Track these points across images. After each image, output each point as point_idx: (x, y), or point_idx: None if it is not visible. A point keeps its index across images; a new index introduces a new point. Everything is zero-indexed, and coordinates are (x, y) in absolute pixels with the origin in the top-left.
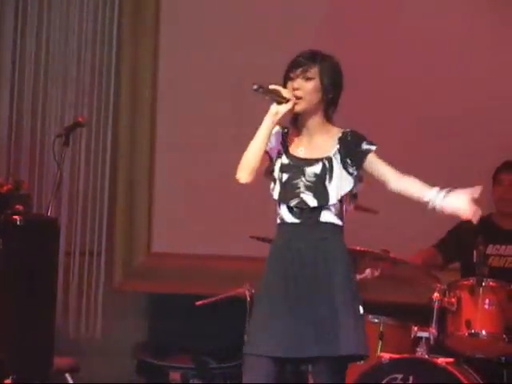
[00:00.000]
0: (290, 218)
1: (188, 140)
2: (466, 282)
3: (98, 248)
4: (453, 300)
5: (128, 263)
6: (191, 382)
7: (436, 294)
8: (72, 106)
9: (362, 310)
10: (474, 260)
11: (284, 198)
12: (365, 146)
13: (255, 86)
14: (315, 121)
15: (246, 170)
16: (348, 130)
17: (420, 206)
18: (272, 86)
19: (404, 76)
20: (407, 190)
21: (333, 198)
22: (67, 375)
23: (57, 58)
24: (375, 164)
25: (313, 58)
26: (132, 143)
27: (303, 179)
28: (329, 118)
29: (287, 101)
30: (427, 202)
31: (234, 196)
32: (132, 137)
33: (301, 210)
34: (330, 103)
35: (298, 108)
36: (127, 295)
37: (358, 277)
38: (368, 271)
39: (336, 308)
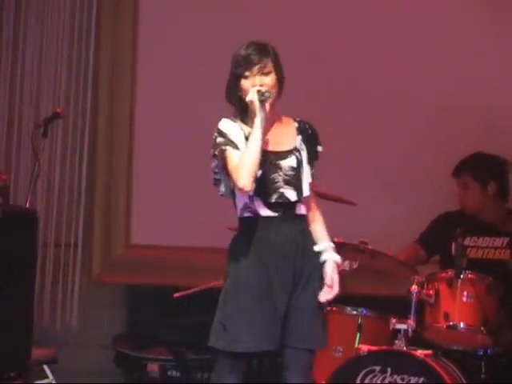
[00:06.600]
0: (265, 212)
1: (167, 131)
2: (444, 275)
3: (75, 239)
4: (431, 292)
5: (106, 255)
6: (169, 373)
7: (414, 287)
8: (49, 98)
9: None
10: (453, 252)
11: (262, 193)
12: (319, 148)
13: (268, 94)
14: (271, 112)
15: (250, 177)
16: (298, 118)
17: (399, 198)
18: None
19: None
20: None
21: (306, 191)
22: (45, 366)
23: (35, 52)
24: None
25: (264, 52)
26: (110, 134)
27: (281, 173)
28: None
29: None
30: (318, 251)
31: (213, 188)
32: (110, 128)
33: (280, 204)
34: (280, 92)
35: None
36: (105, 287)
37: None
38: (346, 263)
39: (313, 301)
